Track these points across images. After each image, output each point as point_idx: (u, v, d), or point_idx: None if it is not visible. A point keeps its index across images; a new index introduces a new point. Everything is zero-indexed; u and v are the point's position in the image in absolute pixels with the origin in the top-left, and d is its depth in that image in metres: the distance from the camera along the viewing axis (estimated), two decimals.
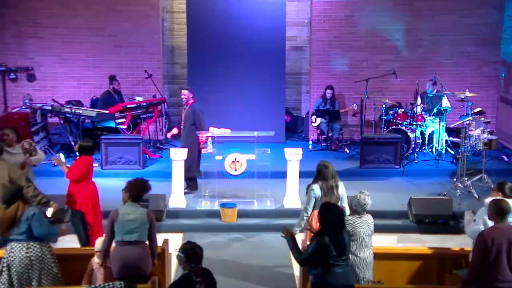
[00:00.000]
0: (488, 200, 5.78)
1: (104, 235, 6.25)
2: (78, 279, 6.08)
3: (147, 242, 5.80)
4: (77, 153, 7.58)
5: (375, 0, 12.22)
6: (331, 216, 5.26)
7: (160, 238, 6.17)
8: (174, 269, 6.99)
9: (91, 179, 7.50)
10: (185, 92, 9.39)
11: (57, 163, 7.82)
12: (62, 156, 10.68)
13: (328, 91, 12.02)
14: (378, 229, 8.42)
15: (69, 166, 7.55)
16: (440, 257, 6.49)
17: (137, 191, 5.87)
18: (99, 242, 6.00)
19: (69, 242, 7.42)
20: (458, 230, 8.37)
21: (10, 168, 6.92)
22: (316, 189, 6.52)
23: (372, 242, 6.05)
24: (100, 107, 11.29)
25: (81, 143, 7.51)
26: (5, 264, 5.68)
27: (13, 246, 5.67)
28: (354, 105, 12.04)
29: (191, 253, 4.88)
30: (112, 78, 11.83)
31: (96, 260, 5.99)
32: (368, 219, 5.96)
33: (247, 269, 7.45)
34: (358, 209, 5.91)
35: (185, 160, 9.03)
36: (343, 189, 6.67)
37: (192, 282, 4.76)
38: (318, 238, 5.19)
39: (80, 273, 6.10)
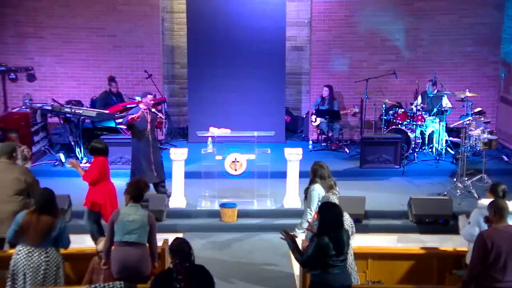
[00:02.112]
0: (481, 202, 5.76)
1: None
2: (79, 279, 6.09)
3: (146, 245, 5.78)
4: (91, 155, 7.51)
5: (375, 0, 12.22)
6: (330, 215, 5.25)
7: (160, 238, 6.16)
8: None
9: (109, 179, 7.41)
10: (150, 96, 9.01)
11: (72, 166, 7.55)
12: (62, 156, 10.69)
13: (325, 89, 12.02)
14: (378, 229, 8.54)
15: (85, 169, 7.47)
16: (440, 257, 6.49)
17: (135, 190, 5.85)
18: (101, 243, 6.01)
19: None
20: (458, 230, 8.34)
21: (25, 171, 6.72)
22: (319, 188, 6.50)
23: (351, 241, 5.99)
24: (99, 108, 11.28)
25: (93, 145, 7.37)
26: (20, 269, 5.53)
27: (30, 251, 5.55)
28: (356, 108, 12.02)
29: (175, 249, 4.77)
30: (111, 80, 11.83)
31: (97, 260, 6.00)
32: None
33: (247, 269, 7.44)
34: None
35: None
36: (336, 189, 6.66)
37: (171, 278, 4.63)
38: (317, 239, 5.18)
39: (81, 273, 6.11)
